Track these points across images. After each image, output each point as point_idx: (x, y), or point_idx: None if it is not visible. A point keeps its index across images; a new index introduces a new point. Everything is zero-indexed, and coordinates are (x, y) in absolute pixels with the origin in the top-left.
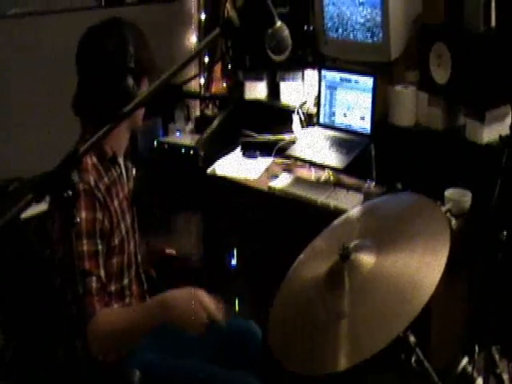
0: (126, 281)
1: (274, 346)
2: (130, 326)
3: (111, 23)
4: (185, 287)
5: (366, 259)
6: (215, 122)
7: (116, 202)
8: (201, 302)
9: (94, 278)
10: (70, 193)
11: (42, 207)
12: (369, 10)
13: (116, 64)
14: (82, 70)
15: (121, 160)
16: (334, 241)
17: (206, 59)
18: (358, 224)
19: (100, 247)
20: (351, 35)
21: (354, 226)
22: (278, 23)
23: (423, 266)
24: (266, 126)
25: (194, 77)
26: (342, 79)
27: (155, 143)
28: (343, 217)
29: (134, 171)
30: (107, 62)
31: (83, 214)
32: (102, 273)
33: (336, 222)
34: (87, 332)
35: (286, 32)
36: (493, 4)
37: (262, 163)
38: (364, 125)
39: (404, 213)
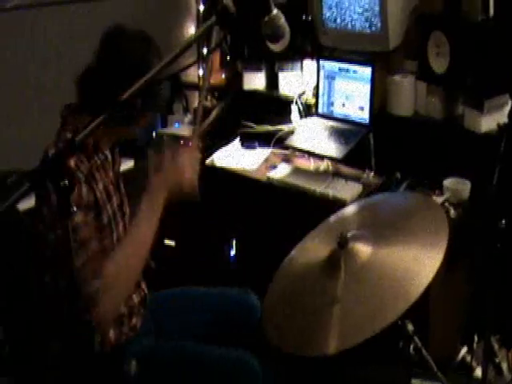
0: None
1: (268, 328)
2: (139, 236)
3: (144, 33)
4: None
5: (363, 248)
6: (214, 113)
7: (101, 185)
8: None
9: (92, 243)
10: (67, 182)
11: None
12: (367, 0)
13: (138, 68)
14: (104, 57)
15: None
16: (332, 231)
17: (205, 51)
18: (356, 218)
19: (92, 216)
20: (349, 25)
21: (353, 219)
22: (275, 11)
23: (419, 260)
24: (265, 116)
25: (191, 64)
26: (340, 69)
27: (154, 135)
28: (341, 212)
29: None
30: (133, 61)
31: None
32: (98, 236)
33: (334, 216)
34: (102, 290)
35: (283, 20)
36: None
37: (261, 154)
38: (362, 114)
39: (403, 211)
